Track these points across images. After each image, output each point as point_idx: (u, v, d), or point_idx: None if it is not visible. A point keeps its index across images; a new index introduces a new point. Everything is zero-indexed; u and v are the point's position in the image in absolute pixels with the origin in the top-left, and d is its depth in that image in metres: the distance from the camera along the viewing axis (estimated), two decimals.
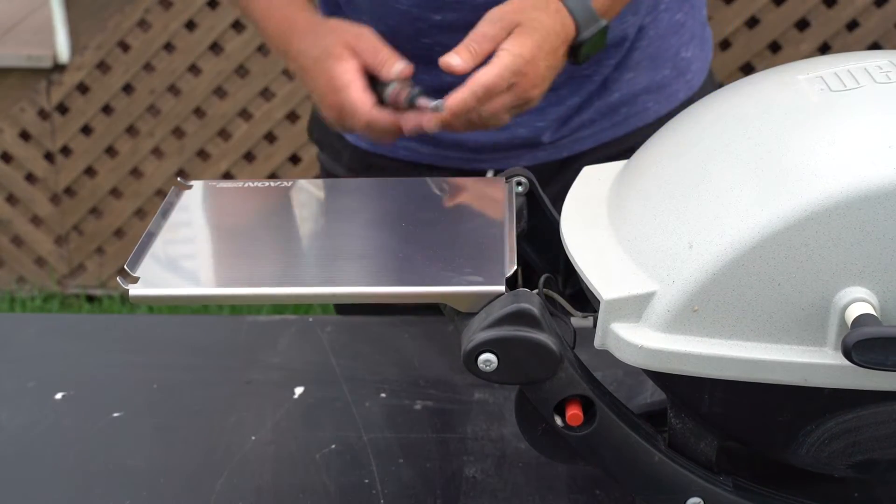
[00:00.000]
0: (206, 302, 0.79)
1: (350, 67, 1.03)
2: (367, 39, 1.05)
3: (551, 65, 1.02)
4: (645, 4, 1.18)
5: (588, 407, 0.77)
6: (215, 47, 3.10)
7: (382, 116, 1.03)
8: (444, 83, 1.02)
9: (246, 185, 0.95)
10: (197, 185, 0.94)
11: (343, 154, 1.28)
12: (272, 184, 0.94)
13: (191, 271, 0.84)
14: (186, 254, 0.86)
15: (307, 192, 0.97)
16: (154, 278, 0.79)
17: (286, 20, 1.11)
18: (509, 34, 1.01)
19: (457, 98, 0.99)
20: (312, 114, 1.33)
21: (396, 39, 1.08)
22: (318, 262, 0.82)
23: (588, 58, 1.06)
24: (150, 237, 0.84)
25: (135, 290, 0.77)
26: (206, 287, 0.80)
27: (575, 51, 1.04)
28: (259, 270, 0.83)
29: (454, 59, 0.99)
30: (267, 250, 0.86)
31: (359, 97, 1.02)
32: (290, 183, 0.95)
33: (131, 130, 3.18)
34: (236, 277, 0.84)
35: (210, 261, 0.87)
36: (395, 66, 1.03)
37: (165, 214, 0.88)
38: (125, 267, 0.79)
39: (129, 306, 3.06)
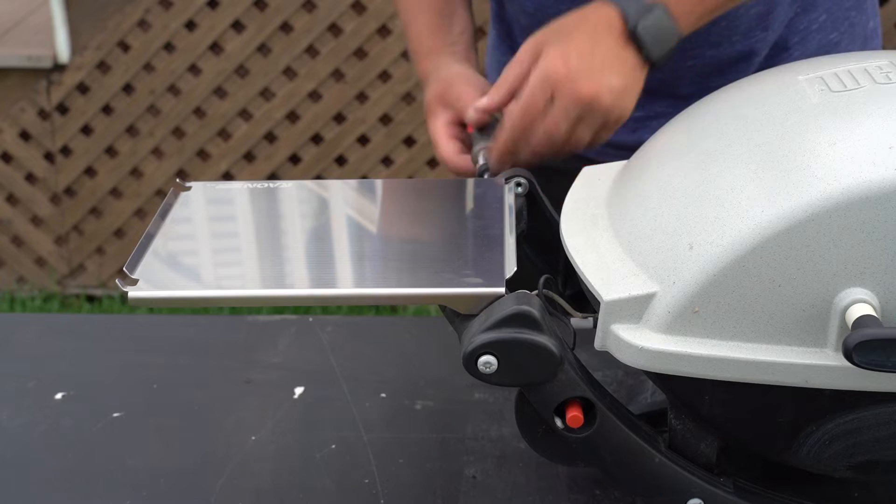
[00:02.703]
0: (206, 304, 0.78)
1: (439, 122, 1.08)
2: (455, 89, 1.07)
3: (601, 54, 0.91)
4: (778, 21, 1.11)
5: (588, 409, 0.77)
6: (215, 47, 3.10)
7: (464, 164, 1.06)
8: None
9: (245, 186, 0.95)
10: (196, 187, 0.94)
11: None
12: (271, 185, 0.94)
13: (190, 273, 0.84)
14: (185, 255, 0.86)
15: (306, 194, 0.97)
16: (153, 280, 0.78)
17: (416, 54, 1.18)
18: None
19: (497, 141, 0.96)
20: None
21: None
22: (317, 263, 0.82)
23: (665, 60, 0.94)
24: (149, 239, 0.84)
25: (134, 292, 0.77)
26: (206, 289, 0.80)
27: (641, 49, 0.92)
28: (258, 272, 0.83)
29: (481, 101, 0.96)
30: (266, 252, 0.86)
31: (444, 150, 1.06)
32: (289, 184, 0.95)
33: (131, 130, 3.18)
34: (235, 279, 0.84)
35: (209, 262, 0.87)
36: (468, 113, 1.05)
37: (164, 216, 0.88)
38: (124, 269, 0.79)
39: (129, 306, 3.06)
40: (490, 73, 1.29)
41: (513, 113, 0.94)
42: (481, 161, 1.00)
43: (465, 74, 1.10)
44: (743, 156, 0.73)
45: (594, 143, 0.94)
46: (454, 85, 1.07)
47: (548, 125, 0.91)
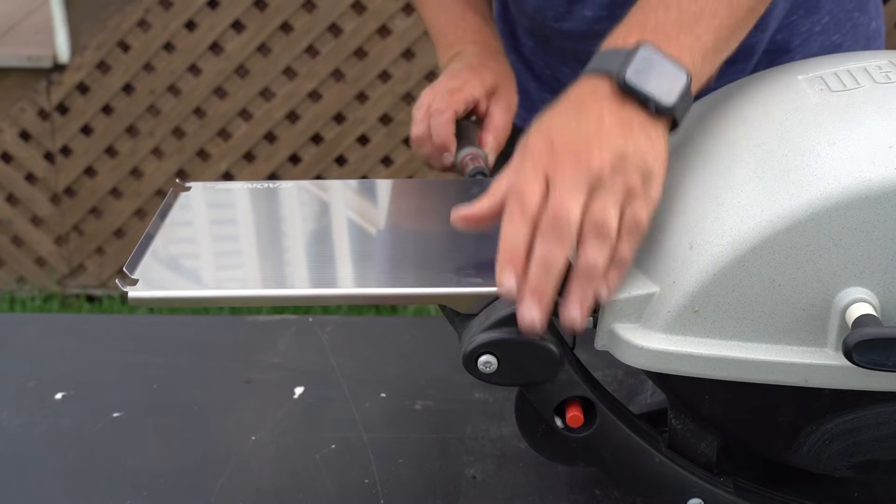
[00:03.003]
0: (205, 304, 0.78)
1: (467, 88, 1.05)
2: (510, 98, 1.06)
3: (592, 123, 0.74)
4: (774, 18, 1.09)
5: (588, 408, 0.77)
6: (215, 47, 3.10)
7: (423, 146, 1.03)
8: None
9: (244, 186, 0.95)
10: (195, 187, 0.94)
11: None
12: (271, 185, 0.94)
13: (190, 273, 0.84)
14: (185, 256, 0.86)
15: (305, 194, 0.97)
16: (153, 280, 0.78)
17: (440, 34, 1.16)
18: None
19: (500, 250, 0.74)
20: None
21: (539, 39, 1.16)
22: (317, 263, 0.82)
23: (685, 104, 0.76)
24: (149, 239, 0.84)
25: (133, 293, 0.76)
26: (205, 289, 0.80)
27: (644, 101, 0.75)
28: (257, 272, 0.83)
29: (475, 207, 0.75)
30: (265, 252, 0.86)
31: (417, 125, 1.03)
32: (289, 184, 0.95)
33: (131, 130, 3.18)
34: (235, 279, 0.84)
35: (209, 263, 0.87)
36: (489, 136, 1.03)
37: (164, 216, 0.88)
38: (124, 269, 0.79)
39: (129, 306, 3.06)
40: None
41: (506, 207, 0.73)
42: (471, 167, 1.00)
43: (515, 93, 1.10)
44: (742, 155, 0.73)
45: (632, 223, 0.72)
46: (502, 86, 1.07)
47: (553, 203, 0.71)
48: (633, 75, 0.74)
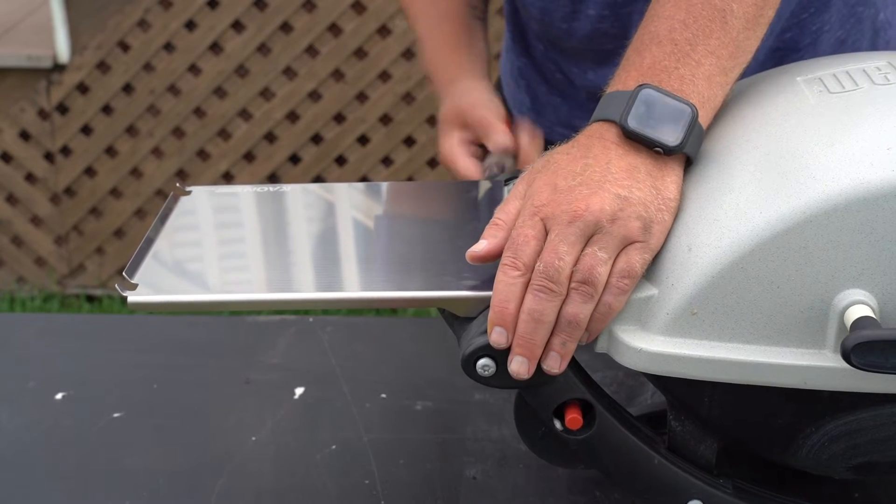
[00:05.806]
0: (205, 308, 0.78)
1: (454, 141, 1.05)
2: (480, 110, 1.06)
3: (598, 170, 0.73)
4: (777, 16, 1.04)
5: (587, 410, 0.77)
6: (215, 47, 3.10)
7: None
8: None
9: (244, 190, 0.95)
10: (196, 191, 0.94)
11: None
12: (270, 188, 0.94)
13: (190, 277, 0.84)
14: (185, 260, 0.86)
15: (305, 197, 0.97)
16: (153, 284, 0.78)
17: (433, 64, 1.17)
18: None
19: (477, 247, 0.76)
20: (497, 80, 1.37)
21: (548, 42, 1.18)
22: (316, 267, 0.82)
23: (696, 139, 0.75)
24: (149, 243, 0.84)
25: (133, 297, 0.76)
26: (205, 293, 0.80)
27: (650, 144, 0.74)
28: (257, 276, 0.83)
29: (478, 247, 0.75)
30: (265, 256, 0.86)
31: (465, 168, 1.03)
32: (288, 188, 0.95)
33: (131, 130, 3.18)
34: (235, 283, 0.84)
35: (209, 267, 0.87)
36: (494, 139, 1.04)
37: (164, 220, 0.88)
38: (123, 273, 0.79)
39: None
40: (504, 76, 1.30)
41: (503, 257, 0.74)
42: (489, 172, 1.01)
43: (486, 100, 1.09)
44: (741, 157, 0.73)
45: (625, 271, 0.72)
46: (475, 108, 1.07)
47: (546, 254, 0.71)
48: (634, 121, 0.74)
